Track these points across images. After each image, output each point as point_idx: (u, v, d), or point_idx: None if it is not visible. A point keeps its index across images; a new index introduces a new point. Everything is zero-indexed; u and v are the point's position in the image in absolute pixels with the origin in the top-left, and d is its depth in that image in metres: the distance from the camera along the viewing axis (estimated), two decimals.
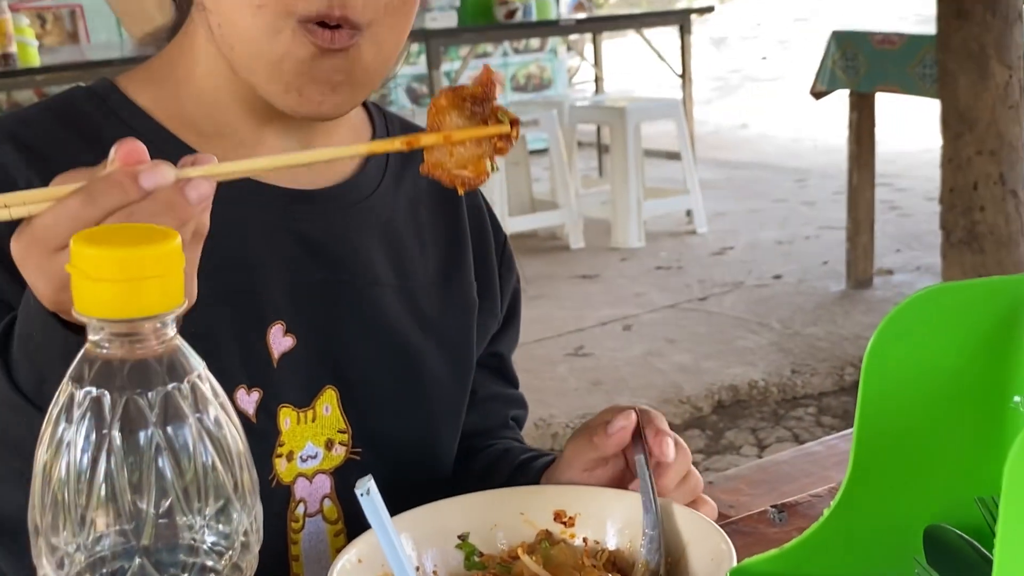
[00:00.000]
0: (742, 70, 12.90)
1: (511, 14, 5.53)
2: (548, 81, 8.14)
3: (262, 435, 0.89)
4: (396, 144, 0.73)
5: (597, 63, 6.85)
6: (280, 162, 0.75)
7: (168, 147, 0.87)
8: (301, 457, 0.92)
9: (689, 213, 5.70)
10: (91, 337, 0.45)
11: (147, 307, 0.45)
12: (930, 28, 4.03)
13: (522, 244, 5.08)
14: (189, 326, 0.77)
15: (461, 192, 0.76)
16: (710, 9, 6.05)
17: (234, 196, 0.85)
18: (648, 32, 6.09)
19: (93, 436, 0.45)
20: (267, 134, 0.92)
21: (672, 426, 3.45)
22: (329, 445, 0.93)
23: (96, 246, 0.44)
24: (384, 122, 1.04)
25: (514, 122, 0.76)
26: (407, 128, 1.06)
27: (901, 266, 4.83)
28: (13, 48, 4.28)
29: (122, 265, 0.44)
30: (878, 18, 14.47)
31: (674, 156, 5.82)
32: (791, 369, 3.80)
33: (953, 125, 3.29)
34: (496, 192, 5.14)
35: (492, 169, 0.76)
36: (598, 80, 6.88)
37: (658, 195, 5.73)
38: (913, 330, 0.61)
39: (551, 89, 8.13)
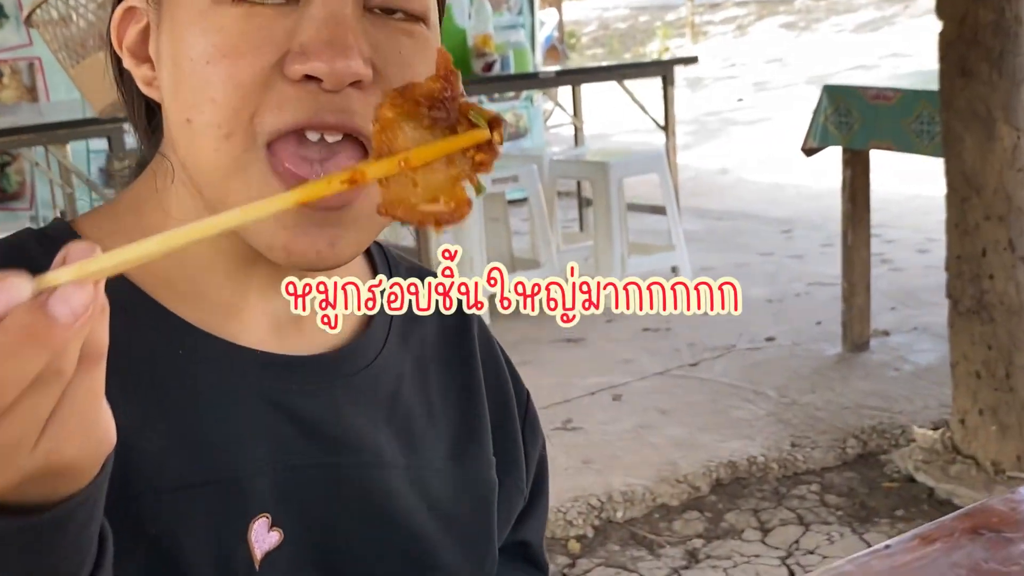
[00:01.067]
0: (719, 112, 12.91)
1: (489, 67, 5.44)
2: (524, 130, 8.06)
3: None
4: (333, 185, 0.55)
5: (576, 113, 6.76)
6: (178, 239, 0.54)
7: (140, 309, 0.76)
8: None
9: (674, 269, 5.60)
10: None
11: None
12: (921, 81, 3.98)
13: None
14: (147, 521, 0.64)
15: (438, 232, 0.62)
16: (693, 60, 5.98)
17: (210, 362, 0.76)
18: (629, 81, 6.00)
19: None
20: (251, 291, 0.80)
21: (669, 508, 3.32)
22: None
23: None
24: (387, 262, 0.93)
25: (494, 122, 0.60)
26: (415, 272, 0.95)
27: (897, 326, 4.74)
28: None
29: None
30: (853, 59, 14.54)
31: (657, 209, 5.73)
32: (791, 442, 3.69)
33: (959, 189, 3.19)
34: (476, 250, 5.03)
35: (477, 192, 0.60)
36: (577, 131, 6.79)
37: (642, 251, 5.63)
38: None
39: (527, 138, 8.05)
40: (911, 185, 7.18)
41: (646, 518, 3.32)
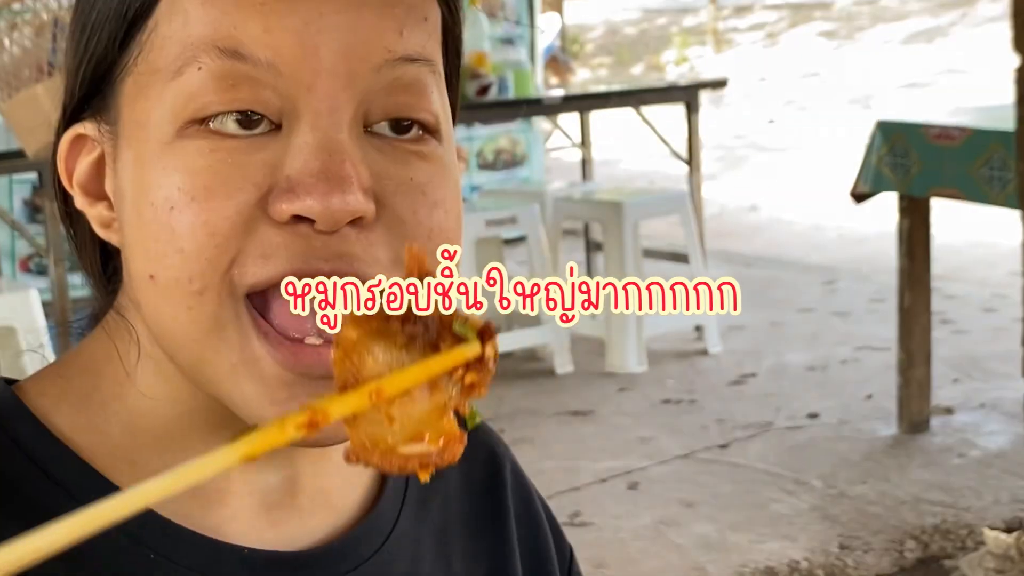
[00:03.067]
0: (746, 136, 13.00)
1: (484, 89, 5.46)
2: (522, 157, 8.10)
3: None
4: (287, 432, 0.51)
5: (584, 141, 6.79)
6: (121, 509, 0.53)
7: (96, 492, 0.72)
8: None
9: (699, 329, 5.64)
10: None
11: None
12: (992, 119, 4.01)
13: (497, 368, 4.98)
14: None
15: (424, 479, 0.59)
16: (723, 83, 6.02)
17: (189, 566, 0.75)
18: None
19: None
20: (237, 473, 0.77)
21: None
22: None
23: None
24: None
25: (485, 331, 0.56)
26: None
27: (962, 402, 4.75)
28: None
29: None
30: (903, 76, 14.67)
31: (679, 257, 5.76)
32: (839, 543, 3.69)
33: None
34: (464, 303, 5.03)
35: (470, 423, 0.58)
36: (585, 161, 6.82)
37: None
38: None
39: (525, 167, 8.08)
40: (973, 231, 7.22)
41: None
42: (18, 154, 4.16)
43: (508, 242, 6.18)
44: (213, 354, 0.71)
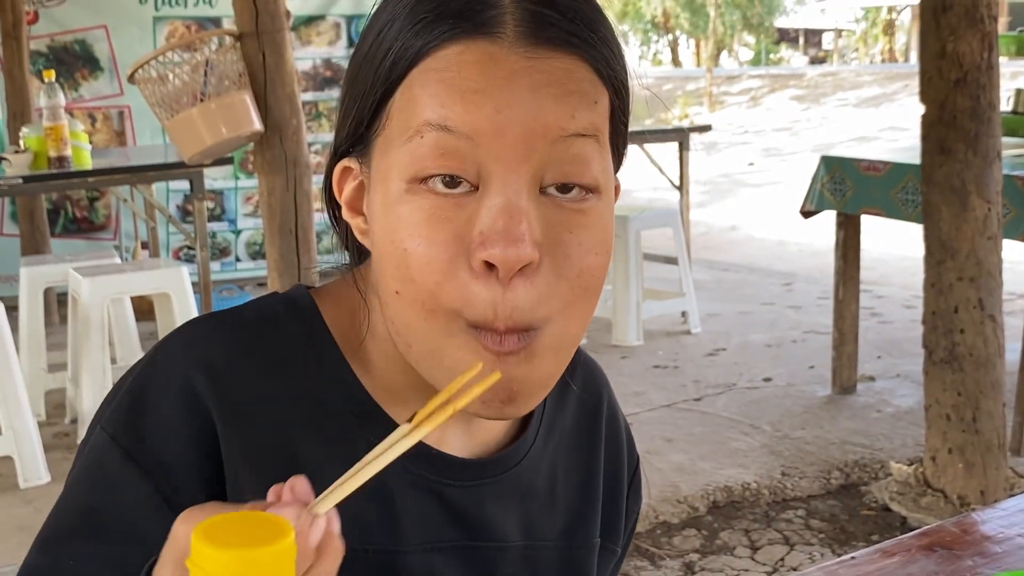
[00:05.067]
0: (732, 175, 13.00)
1: None
2: None
3: None
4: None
5: None
6: (370, 471, 0.61)
7: (347, 386, 0.82)
8: None
9: (684, 314, 5.69)
10: None
11: None
12: (908, 156, 4.08)
13: None
14: None
15: None
16: (708, 128, 6.10)
17: (419, 467, 0.82)
18: (649, 144, 6.13)
19: None
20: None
21: (670, 525, 3.41)
22: None
23: (213, 545, 0.42)
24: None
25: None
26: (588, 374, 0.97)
27: (882, 373, 4.80)
28: (68, 152, 4.31)
29: (239, 565, 0.42)
30: (855, 131, 14.61)
31: (671, 260, 5.83)
32: (781, 472, 3.76)
33: (936, 253, 3.29)
34: None
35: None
36: None
37: (656, 297, 5.73)
38: None
39: None
40: (902, 248, 7.24)
41: (649, 533, 3.40)
42: (176, 165, 4.34)
43: None
44: (446, 350, 0.74)
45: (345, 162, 0.80)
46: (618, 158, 0.79)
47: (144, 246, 6.35)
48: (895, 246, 7.29)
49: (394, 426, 0.80)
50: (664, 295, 5.80)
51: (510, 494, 0.88)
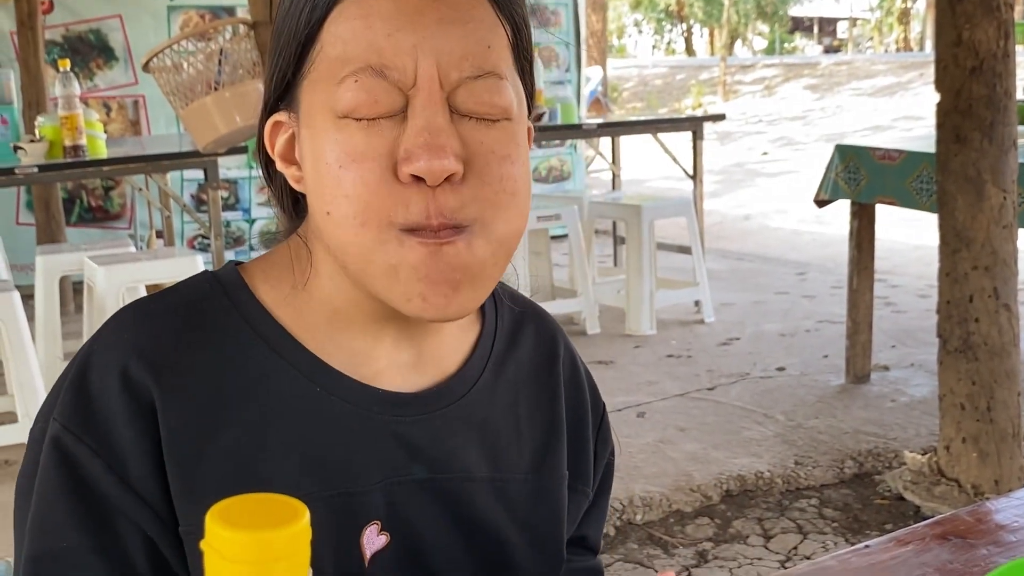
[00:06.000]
0: (745, 164, 12.96)
1: (539, 118, 5.57)
2: (568, 173, 8.19)
3: None
4: None
5: (615, 160, 6.88)
6: None
7: (285, 347, 0.85)
8: None
9: (697, 303, 5.69)
10: None
11: None
12: (922, 144, 4.06)
13: None
14: None
15: None
16: (721, 117, 6.08)
17: (342, 398, 0.85)
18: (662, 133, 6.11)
19: None
20: (382, 343, 0.88)
21: (683, 513, 3.40)
22: None
23: (228, 526, 0.42)
24: (495, 312, 0.97)
25: None
26: (518, 308, 1.00)
27: (896, 362, 4.79)
28: (83, 141, 4.32)
29: (254, 548, 0.42)
30: (869, 120, 14.54)
31: (684, 249, 5.82)
32: (794, 460, 3.75)
33: (951, 242, 3.27)
34: (520, 279, 5.13)
35: None
36: (615, 176, 6.90)
37: (669, 286, 5.72)
38: None
39: (570, 182, 8.18)
40: (916, 238, 7.22)
41: (662, 521, 3.40)
42: (191, 154, 4.35)
43: (554, 238, 6.26)
44: (377, 260, 0.79)
45: (275, 117, 0.85)
46: (528, 96, 0.86)
47: (159, 235, 6.37)
48: (909, 236, 7.26)
49: (336, 376, 0.85)
50: (677, 284, 5.80)
51: (466, 427, 0.90)
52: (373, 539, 0.85)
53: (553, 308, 5.35)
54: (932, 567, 1.97)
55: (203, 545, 0.43)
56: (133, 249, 4.71)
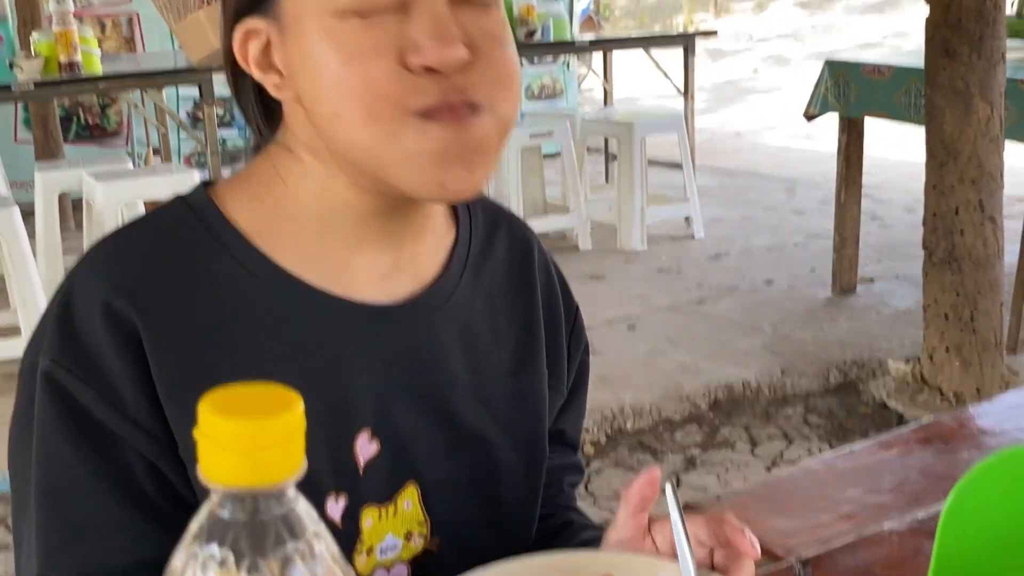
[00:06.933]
0: (737, 82, 12.83)
1: (531, 34, 5.49)
2: (560, 91, 8.09)
3: (344, 538, 0.84)
4: None
5: (607, 77, 6.80)
6: None
7: (262, 269, 0.83)
8: (380, 549, 0.87)
9: (688, 219, 5.67)
10: (214, 499, 0.43)
11: (269, 476, 0.42)
12: (911, 60, 4.01)
13: None
14: None
15: None
16: (713, 33, 6.00)
17: (327, 315, 0.84)
18: (654, 50, 6.03)
19: None
20: (362, 252, 0.86)
21: (672, 421, 3.42)
22: (408, 536, 0.88)
23: (223, 414, 0.41)
24: (468, 217, 0.96)
25: None
26: (490, 214, 0.99)
27: (882, 275, 4.79)
28: (78, 57, 4.25)
29: (248, 436, 0.41)
30: (859, 38, 14.37)
31: (675, 165, 5.79)
32: (781, 370, 3.78)
33: (938, 155, 3.25)
34: (513, 196, 5.11)
35: None
36: (607, 93, 6.83)
37: (660, 202, 5.69)
38: (992, 487, 0.58)
39: (562, 99, 8.08)
40: (904, 154, 7.18)
41: (652, 429, 3.43)
42: (186, 71, 4.28)
43: (546, 157, 6.21)
44: (395, 149, 0.77)
45: (246, 24, 0.81)
46: None
47: (156, 152, 6.30)
48: (897, 151, 7.22)
49: (315, 292, 0.83)
50: (668, 201, 5.77)
51: (448, 334, 0.89)
52: (365, 446, 0.85)
53: (545, 224, 5.34)
54: (915, 469, 1.98)
55: (196, 433, 0.42)
56: (131, 166, 4.66)
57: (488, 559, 0.80)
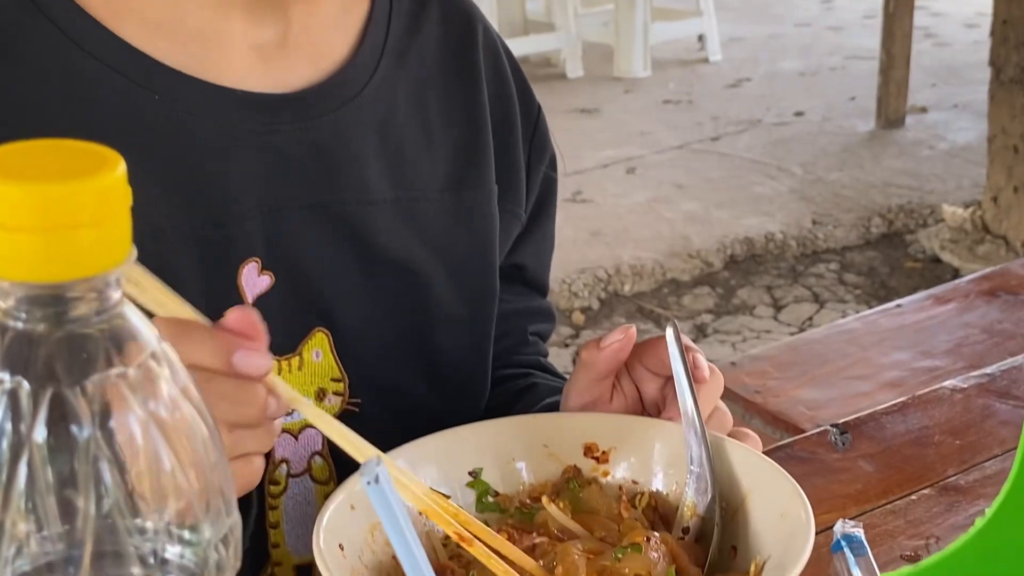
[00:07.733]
0: None
1: None
2: None
3: None
4: None
5: None
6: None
7: (106, 48, 0.76)
8: None
9: (701, 38, 5.59)
10: (2, 304, 0.36)
11: (79, 266, 0.35)
12: None
13: None
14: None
15: None
16: None
17: (189, 107, 0.78)
18: None
19: (5, 439, 0.36)
20: (233, 23, 0.79)
21: (679, 283, 3.39)
22: (321, 395, 0.83)
23: (9, 179, 0.34)
24: None
25: None
26: None
27: (936, 103, 4.76)
28: None
29: (45, 207, 0.34)
30: None
31: None
32: (812, 220, 3.77)
33: None
34: (484, 11, 4.99)
35: None
36: None
37: (667, 17, 5.59)
38: None
39: None
40: None
41: (654, 292, 3.42)
42: None
43: None
44: None
45: None
46: None
47: None
48: None
49: (176, 76, 0.77)
50: (677, 15, 5.67)
51: (360, 135, 0.84)
52: (253, 280, 0.80)
53: (525, 46, 5.23)
54: (978, 327, 1.93)
55: None
56: None
57: (429, 427, 0.77)
